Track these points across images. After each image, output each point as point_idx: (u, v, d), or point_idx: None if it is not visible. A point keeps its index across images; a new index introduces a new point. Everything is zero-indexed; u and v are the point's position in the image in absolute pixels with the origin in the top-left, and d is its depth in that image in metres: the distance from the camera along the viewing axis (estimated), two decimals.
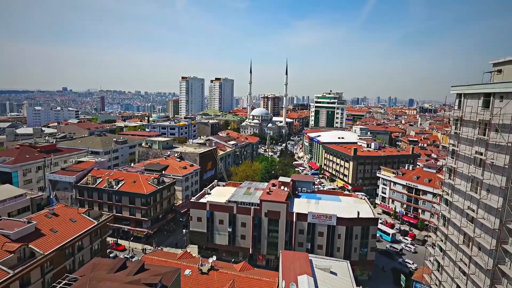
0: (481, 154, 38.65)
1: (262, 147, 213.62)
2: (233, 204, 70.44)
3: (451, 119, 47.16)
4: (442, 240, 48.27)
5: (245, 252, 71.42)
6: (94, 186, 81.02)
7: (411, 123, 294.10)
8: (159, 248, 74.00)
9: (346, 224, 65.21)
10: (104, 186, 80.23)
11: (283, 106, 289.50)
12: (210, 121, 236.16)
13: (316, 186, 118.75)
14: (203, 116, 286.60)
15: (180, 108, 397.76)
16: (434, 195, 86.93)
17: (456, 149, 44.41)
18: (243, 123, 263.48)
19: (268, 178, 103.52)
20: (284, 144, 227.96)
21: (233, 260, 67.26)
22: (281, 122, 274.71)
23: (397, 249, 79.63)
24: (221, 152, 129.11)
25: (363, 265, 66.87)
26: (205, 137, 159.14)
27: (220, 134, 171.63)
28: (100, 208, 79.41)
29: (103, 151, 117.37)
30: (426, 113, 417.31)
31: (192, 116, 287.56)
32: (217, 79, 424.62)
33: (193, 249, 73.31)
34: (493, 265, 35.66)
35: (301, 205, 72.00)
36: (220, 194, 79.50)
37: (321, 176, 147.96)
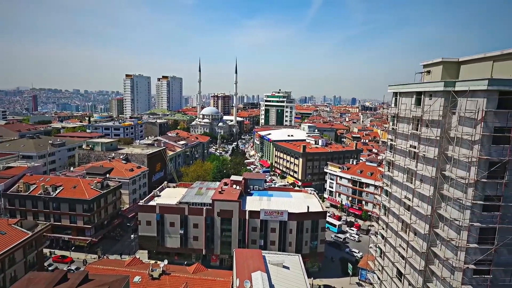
0: (415, 147, 42.35)
1: (213, 147, 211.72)
2: (184, 205, 68.69)
3: (389, 116, 50.97)
4: (383, 228, 52.06)
5: (198, 254, 70.15)
6: (27, 193, 73.30)
7: (354, 121, 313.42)
8: (104, 257, 69.52)
9: (297, 219, 67.23)
10: (39, 193, 73.02)
11: (233, 105, 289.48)
12: (158, 120, 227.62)
13: (267, 184, 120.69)
14: (151, 116, 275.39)
15: (125, 107, 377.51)
16: (376, 187, 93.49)
17: (393, 144, 48.12)
18: (193, 123, 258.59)
19: (220, 178, 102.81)
20: (235, 143, 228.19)
21: (186, 262, 65.71)
22: (231, 121, 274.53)
23: (341, 238, 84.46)
24: (170, 153, 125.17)
25: (313, 257, 69.58)
26: (153, 137, 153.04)
27: (169, 134, 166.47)
28: (35, 217, 72.15)
29: (37, 155, 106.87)
30: (367, 111, 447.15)
31: (138, 116, 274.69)
32: (164, 77, 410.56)
33: (142, 255, 70.02)
34: (427, 248, 39.34)
35: (253, 202, 72.63)
36: (170, 195, 77.04)
37: (272, 173, 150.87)
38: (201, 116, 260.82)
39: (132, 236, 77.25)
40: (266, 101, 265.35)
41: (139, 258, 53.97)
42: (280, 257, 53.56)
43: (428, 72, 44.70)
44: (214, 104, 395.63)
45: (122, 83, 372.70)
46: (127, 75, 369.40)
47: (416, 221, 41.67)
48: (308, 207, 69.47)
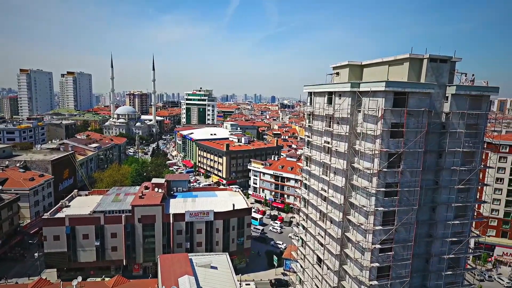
0: (328, 143, 46.12)
1: (131, 148, 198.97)
2: (99, 214, 62.86)
3: (305, 114, 54.47)
4: (304, 219, 55.58)
5: (118, 265, 65.10)
6: None
7: (274, 118, 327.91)
8: (1, 282, 59.47)
9: (223, 218, 67.43)
10: None
11: (152, 103, 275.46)
12: (64, 121, 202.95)
13: (192, 184, 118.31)
14: (54, 117, 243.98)
15: (21, 107, 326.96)
16: (296, 181, 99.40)
17: (310, 140, 51.61)
18: (107, 123, 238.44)
19: (140, 181, 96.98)
20: (155, 144, 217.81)
21: (104, 276, 60.46)
22: (150, 120, 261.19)
23: (259, 230, 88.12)
24: (80, 157, 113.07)
25: (241, 253, 70.76)
26: (58, 140, 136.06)
27: (79, 137, 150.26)
28: None
29: None
30: (286, 109, 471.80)
31: (38, 117, 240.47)
32: (70, 73, 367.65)
33: (50, 274, 61.96)
34: (341, 233, 43.32)
35: (177, 205, 70.39)
36: (82, 205, 69.73)
37: (196, 173, 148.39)
38: (115, 116, 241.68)
39: (36, 254, 67.51)
40: (187, 99, 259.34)
41: (45, 278, 47.63)
42: (207, 258, 53.06)
43: (337, 73, 49.05)
44: (130, 102, 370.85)
45: (16, 79, 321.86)
46: (22, 70, 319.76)
47: (332, 210, 45.51)
48: (233, 205, 70.22)
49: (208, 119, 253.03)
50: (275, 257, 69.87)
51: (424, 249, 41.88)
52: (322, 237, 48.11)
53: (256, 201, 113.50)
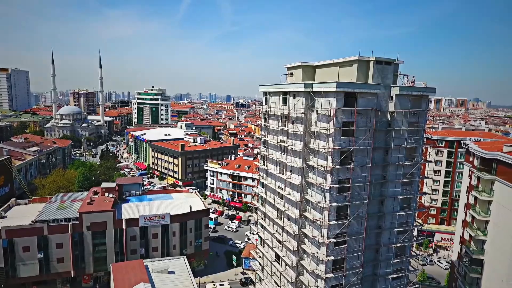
0: (284, 142, 46.98)
1: (78, 151, 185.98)
2: (42, 224, 57.82)
3: (261, 113, 54.90)
4: (262, 218, 56.09)
5: (66, 277, 60.60)
6: None
7: (230, 117, 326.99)
8: None
9: (180, 220, 65.77)
10: None
11: (99, 103, 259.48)
12: None
13: (146, 187, 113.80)
14: None
15: None
16: (253, 180, 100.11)
17: (266, 139, 52.17)
18: (48, 124, 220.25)
19: (88, 186, 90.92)
20: (104, 146, 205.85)
21: None
22: (98, 121, 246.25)
23: (211, 228, 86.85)
24: (18, 162, 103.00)
25: (199, 255, 69.58)
26: None
27: (15, 140, 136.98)
28: None
29: None
30: (241, 108, 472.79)
31: None
32: (2, 69, 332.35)
33: None
34: (298, 230, 44.43)
35: (130, 209, 67.23)
36: (22, 214, 63.57)
37: (150, 175, 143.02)
38: (58, 117, 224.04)
39: None
40: (139, 98, 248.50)
41: None
42: (164, 263, 51.45)
43: (291, 74, 50.09)
44: (75, 102, 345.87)
45: None
46: None
47: (289, 208, 46.45)
48: (190, 207, 68.74)
49: (162, 119, 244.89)
50: (234, 257, 69.72)
51: (374, 240, 44.45)
52: (280, 234, 48.93)
53: (214, 202, 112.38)
